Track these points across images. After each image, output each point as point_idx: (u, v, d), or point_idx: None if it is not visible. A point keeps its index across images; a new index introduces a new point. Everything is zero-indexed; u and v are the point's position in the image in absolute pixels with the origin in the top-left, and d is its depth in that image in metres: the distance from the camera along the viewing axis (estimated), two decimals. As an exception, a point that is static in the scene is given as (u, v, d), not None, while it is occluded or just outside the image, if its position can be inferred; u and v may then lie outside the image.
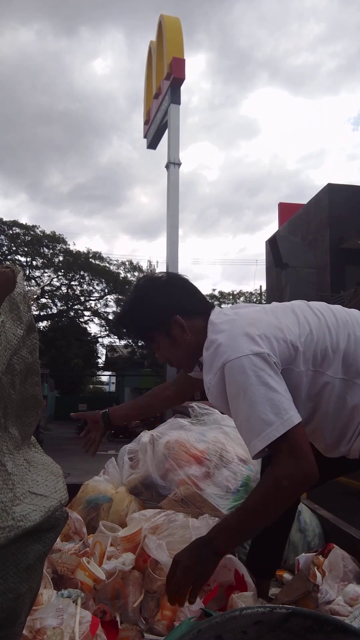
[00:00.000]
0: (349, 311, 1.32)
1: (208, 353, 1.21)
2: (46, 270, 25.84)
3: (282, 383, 1.11)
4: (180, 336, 1.30)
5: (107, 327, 28.09)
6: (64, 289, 26.87)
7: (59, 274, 25.93)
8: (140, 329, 1.38)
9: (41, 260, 25.40)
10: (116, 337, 26.98)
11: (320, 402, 1.20)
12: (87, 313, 28.04)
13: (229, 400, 1.15)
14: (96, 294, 27.30)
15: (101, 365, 32.26)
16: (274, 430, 1.04)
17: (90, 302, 27.57)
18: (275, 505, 1.07)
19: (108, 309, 28.08)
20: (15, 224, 24.76)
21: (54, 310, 26.90)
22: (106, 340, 29.91)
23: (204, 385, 1.27)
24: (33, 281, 25.30)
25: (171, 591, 1.11)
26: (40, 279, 25.81)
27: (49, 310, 26.56)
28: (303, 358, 1.17)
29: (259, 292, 32.81)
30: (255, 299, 33.56)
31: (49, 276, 26.02)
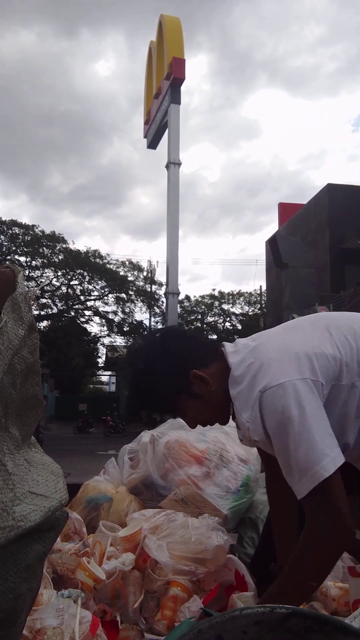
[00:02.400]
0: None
1: (241, 388, 1.07)
2: (46, 270, 25.86)
3: (323, 417, 0.99)
4: (205, 390, 1.14)
5: (108, 327, 28.12)
6: (63, 288, 26.90)
7: (59, 273, 25.95)
8: (162, 404, 1.21)
9: (41, 260, 25.41)
10: (117, 336, 27.01)
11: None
12: (87, 312, 28.07)
13: (271, 435, 1.02)
14: (96, 293, 27.33)
15: (101, 365, 32.29)
16: (328, 464, 0.95)
17: (90, 301, 27.59)
18: (316, 572, 0.99)
19: (108, 308, 28.08)
20: (14, 223, 24.78)
21: (54, 310, 26.92)
22: (106, 340, 29.95)
23: (240, 430, 1.13)
24: (33, 281, 25.31)
25: None
26: (40, 278, 25.81)
27: (49, 310, 26.58)
28: (347, 369, 1.05)
29: (258, 292, 32.83)
30: (255, 299, 33.58)
31: (49, 276, 26.04)
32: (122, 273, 26.99)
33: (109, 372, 34.93)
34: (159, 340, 1.22)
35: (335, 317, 1.19)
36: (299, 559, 0.99)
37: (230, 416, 1.19)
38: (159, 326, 25.70)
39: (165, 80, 13.25)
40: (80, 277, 26.41)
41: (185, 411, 1.19)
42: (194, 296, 34.17)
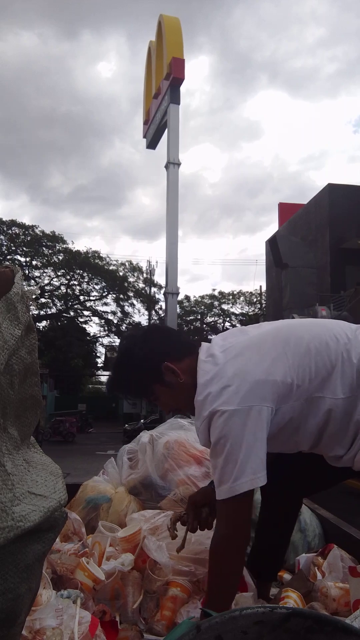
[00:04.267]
0: (336, 326, 1.29)
1: (198, 400, 1.21)
2: (45, 270, 25.86)
3: (263, 440, 1.13)
4: (176, 381, 1.31)
5: (107, 327, 28.13)
6: (63, 288, 26.89)
7: (59, 273, 25.95)
8: (136, 389, 1.39)
9: (41, 260, 25.41)
10: (116, 336, 27.01)
11: (327, 424, 1.20)
12: (86, 312, 28.07)
13: (211, 447, 1.18)
14: (95, 293, 27.33)
15: (101, 365, 32.28)
16: (243, 484, 1.11)
17: (90, 301, 27.60)
18: (225, 566, 1.16)
19: (107, 308, 28.07)
20: (14, 223, 24.77)
21: (54, 310, 26.92)
22: (106, 340, 29.94)
23: (196, 428, 1.30)
24: (32, 281, 25.31)
25: None
26: (40, 278, 25.82)
27: (48, 310, 26.58)
28: (299, 390, 1.17)
29: (258, 292, 32.85)
30: (255, 299, 33.59)
31: (49, 276, 26.04)
32: (121, 274, 26.99)
33: (108, 372, 34.89)
34: (142, 333, 1.41)
35: (296, 334, 1.26)
36: (209, 560, 1.19)
37: None
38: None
39: (165, 80, 13.25)
40: (79, 277, 26.41)
41: (158, 396, 1.35)
42: (194, 296, 34.23)
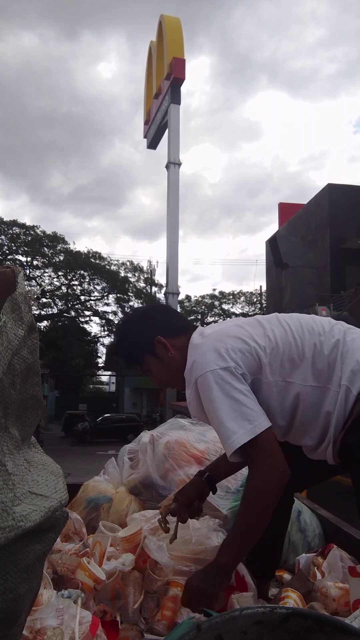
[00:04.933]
0: (316, 319, 1.36)
1: (186, 371, 1.31)
2: (46, 270, 25.84)
3: (248, 393, 1.20)
4: (166, 355, 1.40)
5: (107, 327, 28.10)
6: (64, 288, 26.88)
7: (59, 273, 25.93)
8: (130, 355, 1.48)
9: (41, 260, 25.39)
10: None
11: (296, 409, 1.26)
12: (87, 313, 28.06)
13: (205, 411, 1.25)
14: (96, 294, 27.32)
15: (101, 365, 32.28)
16: (238, 438, 1.14)
17: (91, 301, 27.58)
18: (263, 511, 1.15)
19: (108, 309, 28.04)
20: (15, 223, 24.75)
21: (54, 310, 26.90)
22: (106, 340, 29.92)
23: (187, 400, 1.38)
24: (33, 281, 25.29)
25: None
26: (41, 278, 25.80)
27: (49, 310, 26.56)
28: (270, 369, 1.24)
29: (259, 292, 32.83)
30: (255, 299, 33.57)
31: (49, 276, 26.02)
32: (122, 274, 26.99)
33: (108, 372, 34.92)
34: (143, 310, 1.55)
35: (278, 321, 1.36)
36: (246, 504, 1.19)
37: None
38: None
39: (165, 81, 13.24)
40: (80, 277, 26.40)
41: (149, 368, 1.45)
42: (195, 296, 34.25)
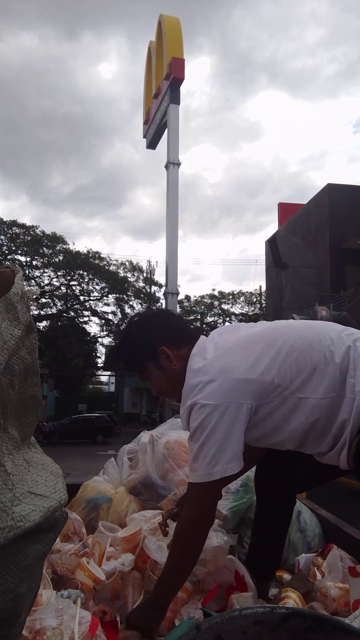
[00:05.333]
0: (323, 327, 1.33)
1: (185, 389, 1.28)
2: (45, 270, 25.83)
3: (235, 434, 1.19)
4: (168, 366, 1.37)
5: (107, 327, 28.10)
6: (63, 288, 26.87)
7: (59, 273, 25.92)
8: (131, 360, 1.45)
9: (41, 260, 25.38)
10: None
11: (313, 423, 1.22)
12: (86, 313, 28.05)
13: (189, 433, 1.26)
14: (96, 294, 27.31)
15: (101, 365, 32.27)
16: (197, 476, 1.20)
17: (90, 302, 27.57)
18: (189, 548, 1.26)
19: (107, 309, 28.01)
20: (14, 224, 24.75)
21: (54, 310, 26.89)
22: (106, 340, 29.92)
23: (180, 413, 1.36)
24: (33, 281, 25.27)
25: None
26: (40, 278, 25.79)
27: (48, 310, 26.56)
28: (280, 389, 1.21)
29: (258, 292, 32.84)
30: (255, 299, 33.57)
31: (49, 276, 26.01)
32: (122, 274, 26.98)
33: (108, 373, 34.93)
34: (148, 314, 1.51)
35: (282, 335, 1.31)
36: (174, 539, 1.28)
37: None
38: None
39: (165, 80, 13.24)
40: (79, 277, 26.39)
41: (150, 376, 1.42)
42: (194, 296, 34.23)
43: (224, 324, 34.26)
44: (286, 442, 1.27)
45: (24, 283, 0.81)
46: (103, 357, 31.77)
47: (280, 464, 1.47)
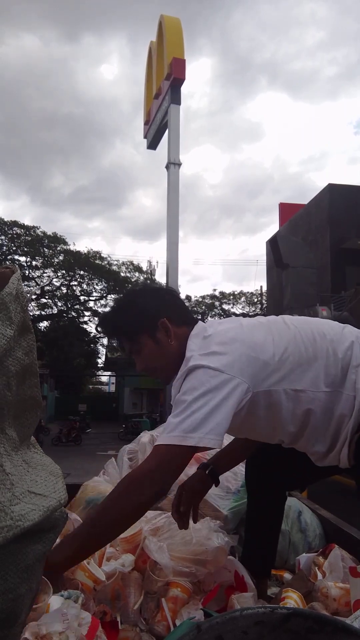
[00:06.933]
0: (327, 323, 1.32)
1: (187, 357, 1.22)
2: (46, 270, 25.85)
3: (227, 408, 1.10)
4: (165, 340, 1.32)
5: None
6: (63, 289, 26.88)
7: (59, 274, 25.93)
8: (127, 327, 1.36)
9: (41, 260, 25.39)
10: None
11: (308, 416, 1.20)
12: (87, 313, 28.07)
13: (180, 391, 1.17)
14: (96, 294, 27.32)
15: (101, 365, 32.27)
16: (168, 437, 1.09)
17: (90, 302, 27.58)
18: (131, 495, 1.10)
19: (108, 309, 27.98)
20: (15, 224, 24.77)
21: (54, 311, 26.91)
22: (106, 340, 29.91)
23: (172, 385, 1.30)
24: (33, 282, 25.28)
25: None
26: (40, 279, 25.80)
27: (49, 310, 26.57)
28: (278, 376, 1.18)
29: (259, 292, 32.84)
30: (255, 299, 33.58)
31: (49, 276, 26.02)
32: (122, 274, 26.99)
33: (108, 373, 34.93)
34: (155, 285, 1.50)
35: (287, 325, 1.29)
36: (118, 485, 1.13)
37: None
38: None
39: (165, 81, 13.23)
40: (80, 278, 26.40)
41: (141, 349, 1.34)
42: (195, 296, 34.24)
43: (224, 324, 34.20)
44: (280, 433, 1.25)
45: (22, 284, 0.80)
46: (103, 358, 31.80)
47: (272, 461, 1.48)
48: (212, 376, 1.12)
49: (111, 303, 27.42)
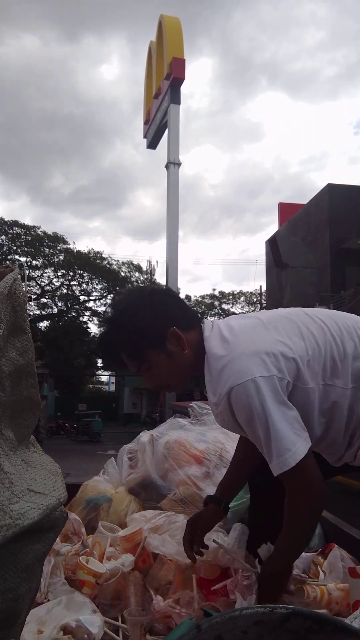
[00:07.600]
0: (348, 316, 1.26)
1: (211, 378, 1.12)
2: (46, 270, 25.84)
3: (289, 408, 1.06)
4: (178, 351, 1.17)
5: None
6: (63, 288, 26.88)
7: (59, 274, 25.93)
8: (131, 348, 1.19)
9: (41, 260, 25.38)
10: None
11: (334, 415, 1.14)
12: (87, 313, 28.07)
13: (244, 427, 1.10)
14: (96, 294, 27.32)
15: (101, 365, 32.23)
16: (300, 448, 1.04)
17: (90, 302, 27.58)
18: (306, 533, 1.16)
19: (103, 329, 27.96)
20: (15, 224, 24.76)
21: (54, 310, 26.90)
22: (106, 340, 29.84)
23: (211, 408, 1.22)
24: (33, 281, 25.28)
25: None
26: (40, 278, 25.80)
27: (49, 310, 26.57)
28: (312, 372, 1.11)
29: (259, 292, 32.85)
30: (255, 299, 33.58)
31: (49, 276, 26.02)
32: (122, 274, 26.98)
33: (108, 373, 34.92)
34: (148, 292, 1.25)
35: (311, 316, 1.22)
36: (288, 524, 1.12)
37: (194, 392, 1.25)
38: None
39: (165, 80, 13.23)
40: (80, 277, 26.39)
41: (151, 365, 1.19)
42: (195, 296, 34.23)
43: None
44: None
45: (19, 284, 0.80)
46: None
47: None
48: (250, 390, 1.04)
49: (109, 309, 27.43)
